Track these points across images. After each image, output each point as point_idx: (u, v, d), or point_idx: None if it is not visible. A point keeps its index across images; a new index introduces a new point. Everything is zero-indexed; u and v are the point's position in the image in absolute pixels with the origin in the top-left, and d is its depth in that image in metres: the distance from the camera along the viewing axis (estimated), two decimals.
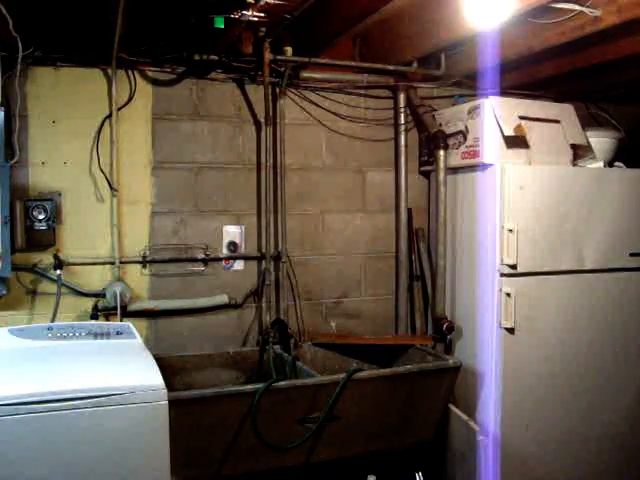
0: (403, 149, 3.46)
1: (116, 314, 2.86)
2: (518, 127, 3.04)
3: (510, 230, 2.93)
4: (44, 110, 2.83)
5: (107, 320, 2.93)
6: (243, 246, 3.23)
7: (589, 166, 3.23)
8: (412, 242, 3.52)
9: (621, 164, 3.32)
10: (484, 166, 3.05)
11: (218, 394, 2.45)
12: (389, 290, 3.54)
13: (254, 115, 3.21)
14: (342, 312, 3.44)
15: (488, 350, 3.03)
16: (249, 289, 3.24)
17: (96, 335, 2.45)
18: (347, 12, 2.72)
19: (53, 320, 2.76)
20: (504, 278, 2.97)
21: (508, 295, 2.95)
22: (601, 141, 3.36)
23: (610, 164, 3.33)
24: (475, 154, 3.10)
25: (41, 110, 2.83)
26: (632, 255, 3.20)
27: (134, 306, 2.97)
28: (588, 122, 3.59)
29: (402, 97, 3.43)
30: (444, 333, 3.21)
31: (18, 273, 2.80)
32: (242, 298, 3.22)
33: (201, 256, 3.13)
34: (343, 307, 3.45)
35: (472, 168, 3.15)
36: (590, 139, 3.33)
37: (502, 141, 3.04)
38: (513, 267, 2.95)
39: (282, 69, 3.12)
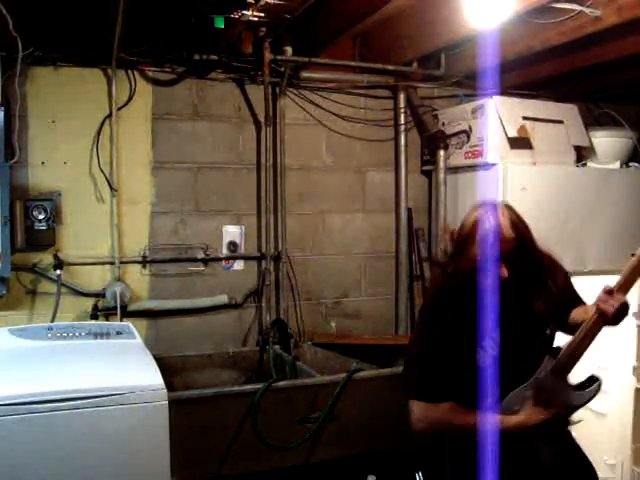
0: (403, 149, 3.46)
1: (116, 314, 2.86)
2: (522, 128, 3.04)
3: None
4: (44, 110, 2.83)
5: (107, 320, 2.93)
6: (243, 246, 3.22)
7: (604, 166, 3.22)
8: (412, 242, 3.51)
9: (637, 164, 3.32)
10: (487, 166, 3.04)
11: (218, 394, 2.45)
12: (389, 290, 3.54)
13: (254, 115, 3.21)
14: (342, 312, 3.44)
15: None
16: (249, 289, 3.24)
17: (96, 335, 2.45)
18: (347, 12, 2.72)
19: (53, 320, 2.76)
20: None
21: None
22: (616, 141, 3.35)
23: (626, 164, 3.33)
24: (478, 154, 3.10)
25: (41, 110, 2.82)
26: (634, 256, 3.19)
27: (134, 306, 2.97)
28: (590, 122, 3.58)
29: (402, 97, 3.43)
30: None
31: (18, 273, 2.80)
32: (242, 298, 3.22)
33: (201, 256, 3.13)
34: (343, 307, 3.45)
35: (474, 168, 3.15)
36: (606, 139, 3.33)
37: (506, 141, 3.04)
38: None
39: (282, 69, 3.12)
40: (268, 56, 2.98)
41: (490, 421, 1.60)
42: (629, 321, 2.86)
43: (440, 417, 1.66)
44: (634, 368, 3.04)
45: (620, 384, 3.11)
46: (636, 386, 3.03)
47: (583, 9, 2.34)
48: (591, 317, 1.57)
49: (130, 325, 2.59)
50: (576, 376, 1.68)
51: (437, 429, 1.69)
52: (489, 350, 1.65)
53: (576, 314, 1.74)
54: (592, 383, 1.64)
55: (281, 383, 2.52)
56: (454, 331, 1.65)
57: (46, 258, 2.84)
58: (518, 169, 2.97)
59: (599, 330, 1.58)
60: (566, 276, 1.89)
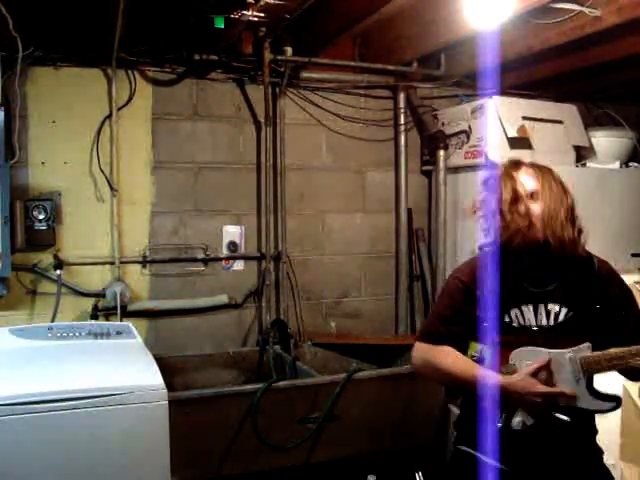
0: (403, 149, 3.46)
1: (116, 314, 2.86)
2: (522, 128, 3.05)
3: None
4: (44, 110, 2.83)
5: (107, 320, 2.93)
6: (243, 246, 3.22)
7: (604, 166, 3.22)
8: (412, 242, 3.52)
9: (637, 164, 3.32)
10: (487, 166, 3.05)
11: (218, 394, 2.45)
12: (389, 290, 3.54)
13: (254, 115, 3.21)
14: (342, 312, 3.44)
15: None
16: (249, 289, 3.24)
17: (96, 335, 2.45)
18: (347, 12, 2.72)
19: (53, 320, 2.76)
20: None
21: None
22: (616, 141, 3.36)
23: (626, 164, 3.33)
24: (478, 154, 3.10)
25: (41, 110, 2.82)
26: (634, 255, 3.19)
27: (134, 306, 2.97)
28: (590, 122, 3.59)
29: (402, 97, 3.43)
30: None
31: (18, 273, 2.80)
32: (242, 298, 3.22)
33: (201, 256, 3.13)
34: (343, 307, 3.45)
35: (474, 168, 3.15)
36: (605, 139, 3.34)
37: (505, 141, 3.04)
38: None
39: (282, 69, 3.12)
40: (268, 56, 2.98)
41: (478, 373, 1.59)
42: None
43: (431, 357, 1.66)
44: None
45: (620, 385, 3.11)
46: (622, 382, 3.03)
47: (583, 9, 2.35)
48: None
49: (130, 325, 2.59)
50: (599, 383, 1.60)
51: (428, 369, 1.69)
52: (514, 320, 1.64)
53: None
54: (611, 400, 1.55)
55: (281, 383, 2.52)
56: (482, 293, 1.64)
57: (46, 258, 2.85)
58: None
59: None
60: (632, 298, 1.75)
